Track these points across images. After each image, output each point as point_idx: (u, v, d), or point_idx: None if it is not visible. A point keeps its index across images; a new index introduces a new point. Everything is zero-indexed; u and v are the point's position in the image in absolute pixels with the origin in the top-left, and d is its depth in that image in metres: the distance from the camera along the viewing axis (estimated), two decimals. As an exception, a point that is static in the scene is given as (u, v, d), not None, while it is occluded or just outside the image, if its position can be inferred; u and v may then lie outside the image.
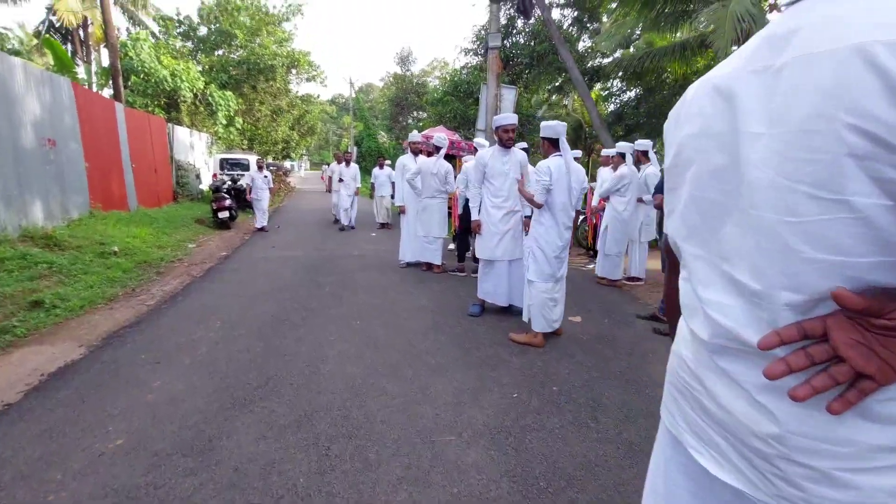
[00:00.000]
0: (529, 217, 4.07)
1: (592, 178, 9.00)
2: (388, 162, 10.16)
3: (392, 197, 9.48)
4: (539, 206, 3.38)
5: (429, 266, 5.97)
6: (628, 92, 17.75)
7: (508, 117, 3.88)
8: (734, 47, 11.94)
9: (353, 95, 30.97)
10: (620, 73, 14.68)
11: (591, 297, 4.90)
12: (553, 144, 3.41)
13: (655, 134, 11.84)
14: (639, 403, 2.64)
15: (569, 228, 3.48)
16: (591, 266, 6.23)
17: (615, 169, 5.78)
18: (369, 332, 3.72)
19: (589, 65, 14.12)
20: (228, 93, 16.52)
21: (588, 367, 3.12)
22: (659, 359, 3.32)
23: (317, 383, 2.80)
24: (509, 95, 8.53)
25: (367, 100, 50.58)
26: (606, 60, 15.09)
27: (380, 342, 3.49)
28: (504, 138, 3.89)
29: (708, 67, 16.44)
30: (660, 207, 3.86)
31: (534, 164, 4.09)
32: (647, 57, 13.08)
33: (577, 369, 3.09)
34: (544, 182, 3.31)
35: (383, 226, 9.96)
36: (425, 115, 25.10)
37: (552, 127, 3.41)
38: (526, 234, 4.11)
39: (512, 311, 4.24)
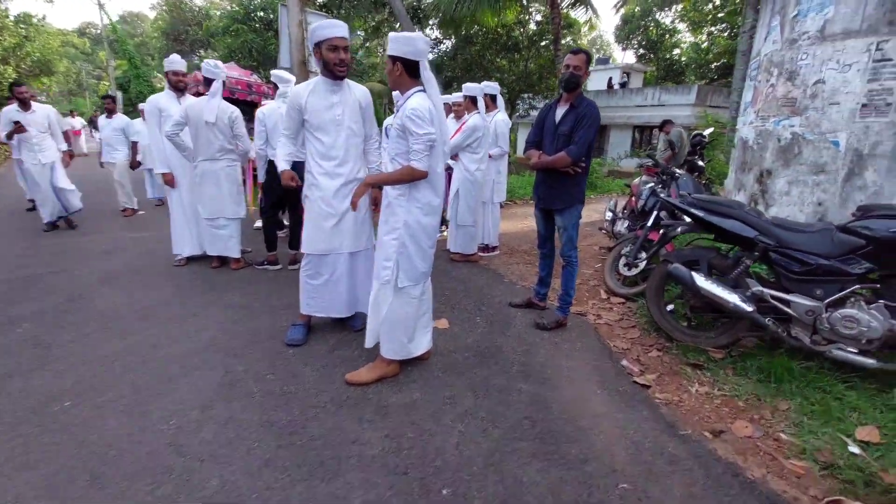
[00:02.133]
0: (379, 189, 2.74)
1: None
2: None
3: (134, 167, 6.36)
4: (424, 176, 2.09)
5: (222, 261, 4.14)
6: (445, 41, 17.41)
7: (335, 26, 2.33)
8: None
9: (108, 24, 23.48)
10: (437, 20, 13.85)
11: (451, 284, 3.89)
12: (411, 72, 2.08)
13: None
14: (577, 490, 1.69)
15: None
16: (444, 232, 5.08)
17: (459, 118, 4.78)
18: (88, 429, 1.95)
19: (406, 1, 12.79)
20: None
21: (482, 421, 2.06)
22: (563, 378, 2.46)
23: None
24: (319, 24, 6.66)
25: (135, 34, 40.59)
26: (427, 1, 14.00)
27: (108, 454, 1.80)
28: (333, 60, 2.36)
29: (517, 21, 16.89)
30: (537, 168, 2.91)
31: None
32: (463, 1, 12.50)
33: (468, 428, 2.00)
34: (429, 135, 2.01)
35: (134, 211, 6.42)
36: (216, 53, 20.74)
37: (411, 41, 2.02)
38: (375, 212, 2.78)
39: (353, 326, 2.93)
